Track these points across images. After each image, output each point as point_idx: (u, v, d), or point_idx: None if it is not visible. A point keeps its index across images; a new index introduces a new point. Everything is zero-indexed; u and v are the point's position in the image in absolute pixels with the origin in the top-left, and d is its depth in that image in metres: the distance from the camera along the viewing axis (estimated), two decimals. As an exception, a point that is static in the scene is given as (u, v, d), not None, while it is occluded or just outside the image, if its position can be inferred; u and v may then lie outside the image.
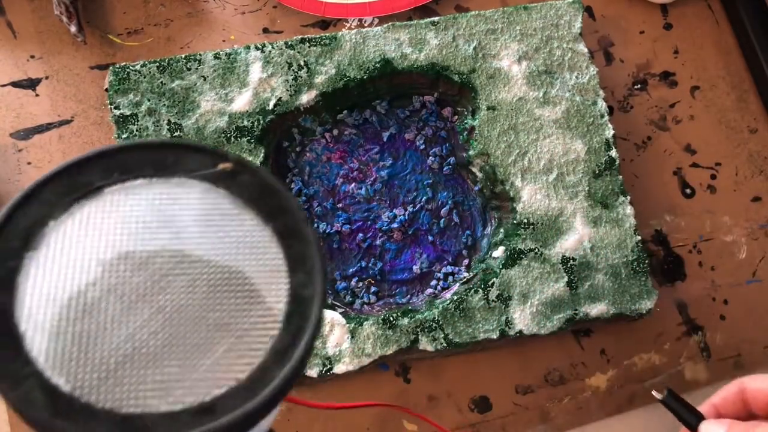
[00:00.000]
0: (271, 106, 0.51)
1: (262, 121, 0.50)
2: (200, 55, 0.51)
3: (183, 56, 0.51)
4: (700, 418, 0.40)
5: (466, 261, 0.51)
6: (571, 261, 0.49)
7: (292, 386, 0.20)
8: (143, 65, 0.51)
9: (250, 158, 0.50)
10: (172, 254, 0.20)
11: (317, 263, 0.21)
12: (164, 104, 0.50)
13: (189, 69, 0.51)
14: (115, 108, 0.50)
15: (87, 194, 0.21)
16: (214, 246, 0.20)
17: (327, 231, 0.51)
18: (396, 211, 0.52)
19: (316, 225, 0.51)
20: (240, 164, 0.22)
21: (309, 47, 0.52)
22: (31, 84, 0.55)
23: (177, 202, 0.21)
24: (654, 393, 0.41)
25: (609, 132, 0.52)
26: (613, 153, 0.51)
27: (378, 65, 0.52)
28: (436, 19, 0.53)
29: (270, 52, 0.52)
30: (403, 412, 0.48)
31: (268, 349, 0.19)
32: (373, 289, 0.51)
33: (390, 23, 0.53)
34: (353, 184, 0.53)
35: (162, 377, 0.19)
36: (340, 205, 0.52)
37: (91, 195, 0.21)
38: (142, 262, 0.20)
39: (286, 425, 0.50)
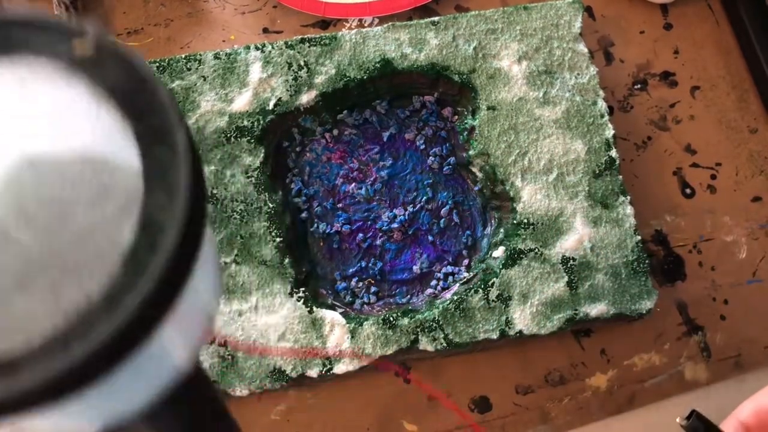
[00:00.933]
0: (271, 106, 0.51)
1: (262, 121, 0.50)
2: (200, 55, 0.51)
3: (183, 56, 0.51)
4: None
5: (466, 261, 0.51)
6: (571, 261, 0.49)
7: (133, 344, 0.16)
8: (143, 65, 0.51)
9: (250, 158, 0.50)
10: (16, 160, 0.16)
11: (183, 178, 0.16)
12: (164, 104, 0.50)
13: (189, 69, 0.51)
14: (115, 108, 0.50)
15: None
16: (56, 150, 0.16)
17: (327, 231, 0.51)
18: (396, 211, 0.52)
19: (316, 225, 0.51)
20: (102, 45, 0.17)
21: (309, 47, 0.52)
22: (31, 84, 0.55)
23: (24, 90, 0.17)
24: (678, 420, 0.36)
25: (609, 132, 0.52)
26: (613, 153, 0.51)
27: (378, 65, 0.52)
28: (436, 19, 0.53)
29: (270, 52, 0.52)
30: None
31: (99, 292, 0.15)
32: (373, 289, 0.51)
33: (390, 23, 0.53)
34: (353, 184, 0.53)
35: None
36: (340, 205, 0.52)
37: None
38: None
39: (286, 425, 0.50)
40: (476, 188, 0.53)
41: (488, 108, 0.52)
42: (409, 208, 0.52)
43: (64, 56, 0.17)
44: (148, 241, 0.15)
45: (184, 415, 0.21)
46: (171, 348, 0.18)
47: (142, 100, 0.17)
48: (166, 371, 0.19)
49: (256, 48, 0.52)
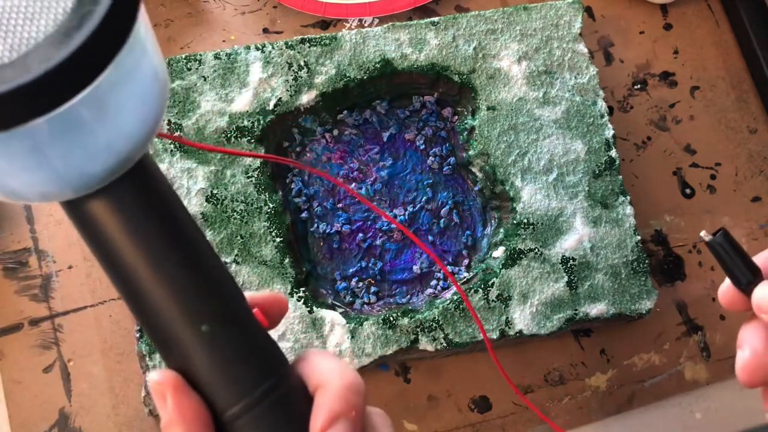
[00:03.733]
0: (271, 106, 0.51)
1: (262, 121, 0.50)
2: (200, 55, 0.51)
3: (183, 56, 0.51)
4: (756, 273, 0.31)
5: (466, 261, 0.52)
6: (571, 261, 0.49)
7: (88, 75, 0.20)
8: (143, 65, 0.51)
9: (251, 158, 0.50)
10: None
11: None
12: (164, 104, 0.50)
13: (189, 69, 0.51)
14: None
15: None
16: None
17: (327, 231, 0.51)
18: (396, 211, 0.52)
19: (316, 225, 0.52)
20: None
21: (309, 47, 0.52)
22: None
23: None
24: (702, 234, 0.32)
25: (609, 132, 0.52)
26: (613, 153, 0.51)
27: (378, 65, 0.52)
28: (436, 19, 0.53)
29: (270, 52, 0.52)
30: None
31: (53, 31, 0.20)
32: (373, 289, 0.51)
33: (390, 23, 0.53)
34: (353, 184, 0.53)
35: None
36: (340, 205, 0.52)
37: None
38: None
39: (286, 425, 0.50)
40: (476, 188, 0.53)
41: (488, 108, 0.52)
42: (409, 208, 0.52)
43: None
44: None
45: (138, 192, 0.24)
46: (122, 108, 0.22)
47: None
48: (123, 132, 0.23)
49: (257, 48, 0.52)
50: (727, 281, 0.32)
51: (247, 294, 0.27)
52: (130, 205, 0.24)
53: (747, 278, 0.31)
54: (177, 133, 0.48)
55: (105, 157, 0.23)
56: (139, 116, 0.23)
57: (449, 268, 0.51)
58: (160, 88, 0.24)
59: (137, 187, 0.24)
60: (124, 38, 0.21)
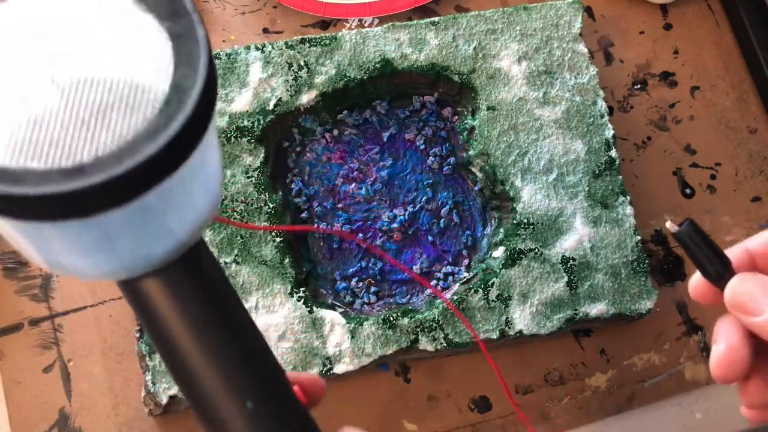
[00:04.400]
0: (271, 106, 0.51)
1: (262, 121, 0.50)
2: (200, 55, 0.51)
3: (183, 56, 0.51)
4: (727, 265, 0.30)
5: (466, 261, 0.52)
6: (571, 261, 0.49)
7: (169, 168, 0.21)
8: (143, 65, 0.51)
9: (251, 158, 0.50)
10: (82, 51, 0.22)
11: (202, 59, 0.22)
12: (164, 104, 0.50)
13: (189, 69, 0.51)
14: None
15: None
16: (115, 41, 0.22)
17: (327, 231, 0.51)
18: (396, 211, 0.52)
19: (316, 225, 0.52)
20: None
21: (309, 47, 0.52)
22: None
23: (85, 4, 0.23)
24: (668, 224, 0.30)
25: (609, 132, 0.52)
26: (613, 153, 0.51)
27: (378, 65, 0.52)
28: (436, 19, 0.53)
29: (270, 52, 0.52)
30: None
31: (143, 129, 0.21)
32: (373, 289, 0.51)
33: (390, 23, 0.53)
34: (353, 184, 0.53)
35: (44, 144, 0.21)
36: (340, 205, 0.52)
37: None
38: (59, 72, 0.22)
39: (286, 425, 0.50)
40: (476, 188, 0.53)
41: (488, 108, 0.52)
42: (409, 208, 0.52)
43: None
44: (177, 98, 0.22)
45: (192, 275, 0.26)
46: (189, 198, 0.24)
47: (172, 7, 0.23)
48: (186, 219, 0.24)
49: (256, 48, 0.52)
50: (698, 273, 0.31)
51: (289, 373, 0.29)
52: (184, 286, 0.26)
53: (717, 270, 0.30)
54: (225, 215, 0.49)
55: (167, 241, 0.24)
56: (202, 202, 0.25)
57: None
58: (220, 173, 0.26)
59: (191, 269, 0.26)
60: (203, 132, 0.23)
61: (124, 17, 0.23)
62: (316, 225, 0.51)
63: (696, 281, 0.32)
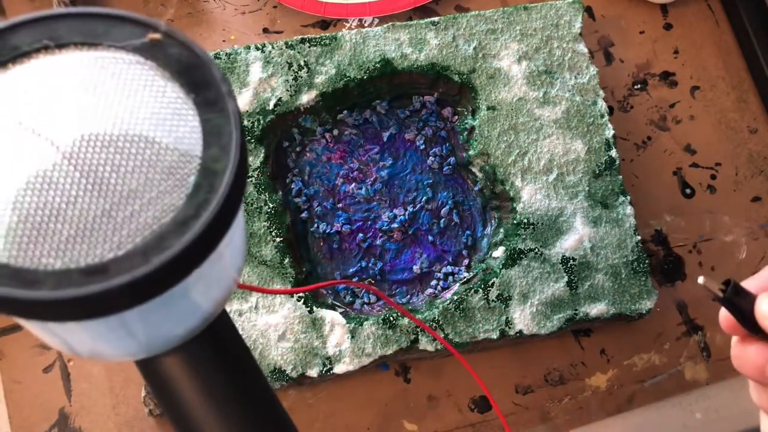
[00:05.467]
0: (271, 106, 0.51)
1: (262, 121, 0.50)
2: (200, 55, 0.51)
3: (183, 56, 0.51)
4: None
5: (466, 261, 0.51)
6: (571, 261, 0.49)
7: (199, 259, 0.20)
8: (143, 65, 0.51)
9: (251, 158, 0.50)
10: (105, 131, 0.20)
11: (234, 138, 0.20)
12: (164, 104, 0.50)
13: (189, 69, 0.51)
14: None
15: (14, 58, 0.21)
16: (137, 118, 0.20)
17: (327, 231, 0.51)
18: (396, 211, 0.52)
19: (316, 225, 0.52)
20: (169, 35, 0.22)
21: (309, 47, 0.52)
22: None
23: (105, 73, 0.21)
24: (702, 280, 0.27)
25: (609, 132, 0.52)
26: (613, 153, 0.51)
27: (378, 65, 0.52)
28: (436, 19, 0.53)
29: (270, 52, 0.52)
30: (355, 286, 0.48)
31: (170, 218, 0.19)
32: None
33: (390, 23, 0.53)
34: (353, 184, 0.53)
35: (61, 237, 0.19)
36: (340, 205, 0.52)
37: (18, 59, 0.21)
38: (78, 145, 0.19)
39: (286, 425, 0.50)
40: (476, 188, 0.53)
41: (488, 108, 0.52)
42: (409, 208, 0.52)
43: (138, 44, 0.21)
44: (207, 182, 0.20)
45: (211, 350, 0.24)
46: (215, 279, 0.22)
47: (200, 77, 0.21)
48: (210, 298, 0.23)
49: (256, 48, 0.52)
50: (724, 311, 0.29)
51: None
52: (203, 361, 0.24)
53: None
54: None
55: (189, 322, 0.23)
56: (228, 276, 0.23)
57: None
58: (245, 244, 0.25)
59: (211, 343, 0.25)
60: (233, 219, 0.21)
61: (145, 87, 0.21)
62: (337, 279, 0.51)
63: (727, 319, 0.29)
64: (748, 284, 0.28)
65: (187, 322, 0.23)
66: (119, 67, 0.21)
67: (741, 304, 0.27)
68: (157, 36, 0.21)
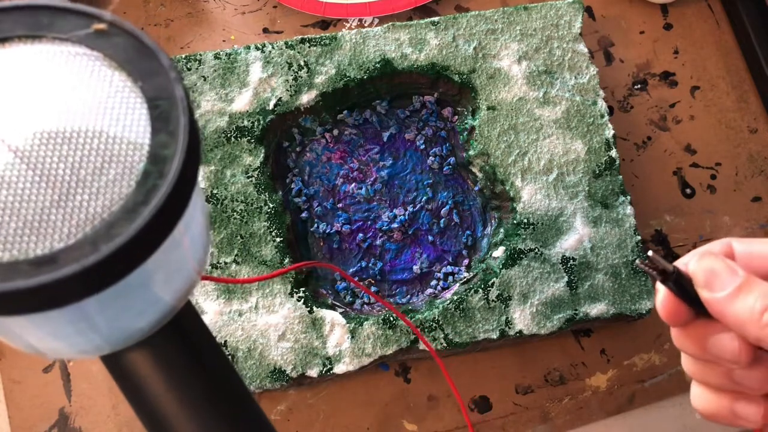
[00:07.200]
0: (271, 106, 0.51)
1: (262, 121, 0.50)
2: (200, 55, 0.51)
3: (183, 56, 0.51)
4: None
5: (466, 261, 0.51)
6: (571, 261, 0.49)
7: (151, 247, 0.20)
8: (143, 65, 0.51)
9: (251, 158, 0.50)
10: (52, 125, 0.20)
11: (181, 123, 0.20)
12: (164, 104, 0.50)
13: (189, 69, 0.51)
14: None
15: None
16: (83, 109, 0.20)
17: (327, 231, 0.51)
18: (396, 211, 0.52)
19: (316, 225, 0.52)
20: (114, 24, 0.21)
21: (309, 47, 0.52)
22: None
23: (50, 66, 0.21)
24: (651, 254, 0.27)
25: (609, 132, 0.52)
26: (613, 153, 0.51)
27: (378, 65, 0.52)
28: (436, 19, 0.53)
29: (270, 52, 0.52)
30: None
31: (119, 207, 0.19)
32: (373, 288, 0.51)
33: (390, 23, 0.53)
34: (353, 184, 0.53)
35: (8, 230, 0.19)
36: (340, 205, 0.52)
37: None
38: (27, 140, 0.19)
39: (286, 425, 0.50)
40: (476, 188, 0.53)
41: (488, 108, 0.52)
42: (409, 208, 0.52)
43: (83, 35, 0.21)
44: (156, 169, 0.20)
45: (177, 343, 0.24)
46: (174, 267, 0.22)
47: (147, 65, 0.21)
48: (171, 289, 0.22)
49: (257, 48, 0.52)
50: (662, 293, 0.29)
51: None
52: (169, 355, 0.24)
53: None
54: (216, 274, 0.48)
55: (151, 314, 0.23)
56: (188, 266, 0.23)
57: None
58: (207, 235, 0.24)
59: (176, 336, 0.24)
60: (186, 203, 0.20)
61: (91, 78, 0.21)
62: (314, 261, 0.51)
63: (665, 299, 0.29)
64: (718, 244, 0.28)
65: (148, 315, 0.22)
66: (64, 59, 0.21)
67: (686, 285, 0.27)
68: (102, 26, 0.21)
